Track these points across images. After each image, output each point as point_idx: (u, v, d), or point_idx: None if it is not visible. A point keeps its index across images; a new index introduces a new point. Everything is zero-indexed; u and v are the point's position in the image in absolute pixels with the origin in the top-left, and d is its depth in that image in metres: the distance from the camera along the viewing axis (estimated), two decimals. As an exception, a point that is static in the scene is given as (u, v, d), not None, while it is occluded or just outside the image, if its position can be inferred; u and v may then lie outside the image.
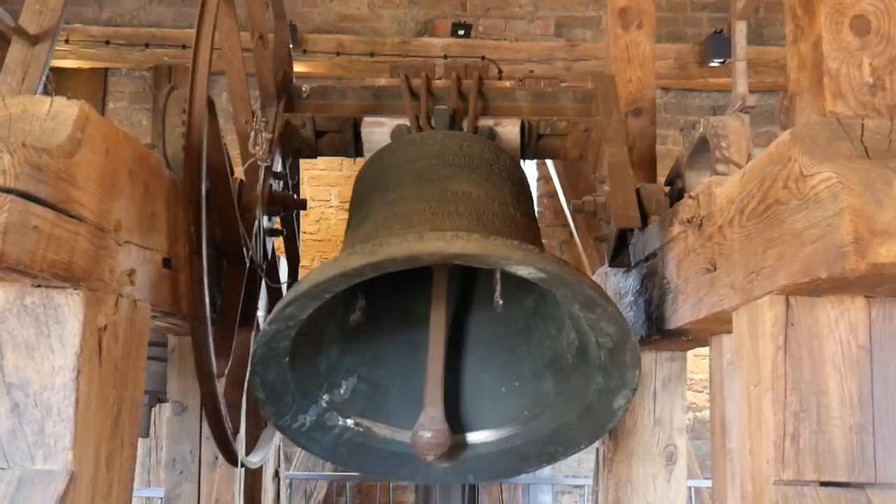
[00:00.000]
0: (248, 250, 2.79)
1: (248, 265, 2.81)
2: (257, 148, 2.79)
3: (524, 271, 2.20)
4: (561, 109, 3.37)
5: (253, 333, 2.89)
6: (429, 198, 2.64)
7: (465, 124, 3.15)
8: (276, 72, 3.18)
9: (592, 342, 2.46)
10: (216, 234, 2.69)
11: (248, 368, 2.45)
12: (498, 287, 2.66)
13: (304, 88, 3.29)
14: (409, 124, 3.11)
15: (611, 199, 2.96)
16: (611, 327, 2.36)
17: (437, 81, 3.30)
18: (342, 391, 2.77)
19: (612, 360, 2.45)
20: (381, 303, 2.86)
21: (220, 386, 2.49)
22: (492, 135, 3.14)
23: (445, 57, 3.12)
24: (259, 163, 2.83)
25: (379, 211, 2.68)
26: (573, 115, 3.33)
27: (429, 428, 2.53)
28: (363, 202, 2.85)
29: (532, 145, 3.26)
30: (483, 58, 3.32)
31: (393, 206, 2.64)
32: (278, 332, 2.34)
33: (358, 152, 3.26)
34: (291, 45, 3.50)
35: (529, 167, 8.32)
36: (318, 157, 3.38)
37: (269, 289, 3.13)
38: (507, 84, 3.42)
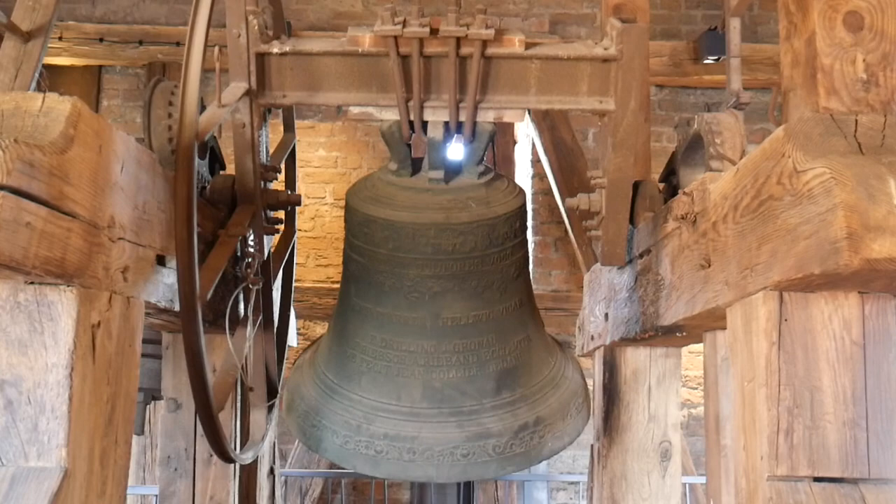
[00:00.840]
0: (242, 253, 2.80)
1: (245, 265, 2.82)
2: (249, 272, 2.84)
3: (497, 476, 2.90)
4: (574, 86, 2.82)
5: (248, 331, 2.89)
6: (420, 330, 3.10)
7: (463, 115, 2.93)
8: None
9: None
10: (207, 231, 2.68)
11: (240, 375, 2.57)
12: None
13: (279, 47, 2.83)
14: (399, 118, 2.93)
15: (603, 229, 2.94)
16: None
17: (432, 47, 2.76)
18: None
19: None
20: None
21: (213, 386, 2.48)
22: (492, 135, 3.02)
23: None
24: (250, 286, 2.86)
25: (373, 319, 3.15)
26: (588, 88, 2.82)
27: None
28: (359, 276, 3.20)
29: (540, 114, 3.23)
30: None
31: (386, 328, 3.14)
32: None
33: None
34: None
35: (524, 164, 8.31)
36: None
37: (261, 288, 3.11)
38: (516, 43, 2.72)
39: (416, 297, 3.02)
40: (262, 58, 2.76)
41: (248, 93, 2.75)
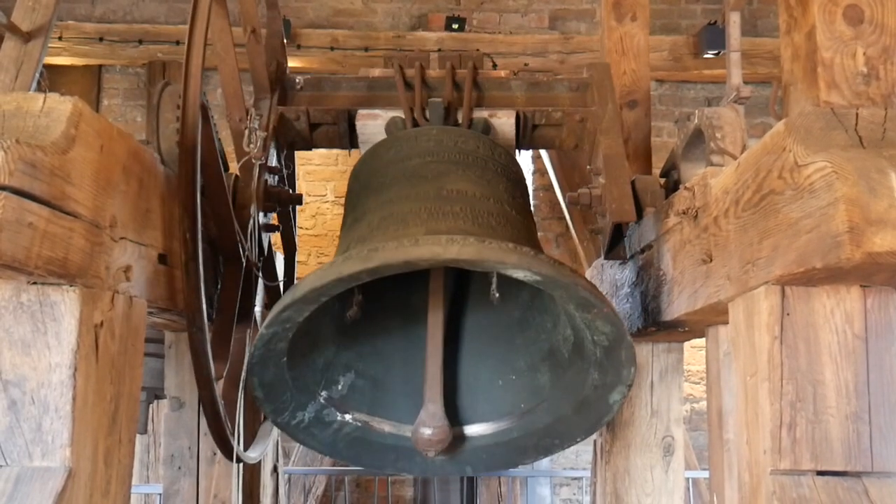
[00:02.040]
0: (244, 249, 2.79)
1: (244, 264, 2.80)
2: (252, 146, 2.79)
3: (520, 274, 2.22)
4: (556, 99, 3.32)
5: (250, 330, 2.89)
6: (424, 197, 2.65)
7: (461, 116, 3.11)
8: (269, 63, 3.17)
9: (588, 339, 2.47)
10: (211, 230, 2.68)
11: (245, 369, 2.46)
12: (494, 281, 2.67)
13: (297, 80, 3.27)
14: (403, 116, 3.08)
15: (606, 193, 2.95)
16: (606, 327, 2.38)
17: (432, 72, 3.25)
18: (340, 387, 2.77)
19: (607, 357, 2.46)
20: (377, 296, 2.86)
21: (218, 387, 2.49)
22: (486, 128, 3.13)
23: (440, 51, 3.10)
24: (253, 161, 2.83)
25: (374, 210, 2.69)
26: (568, 105, 3.28)
27: (429, 425, 2.55)
28: (358, 200, 2.86)
29: (527, 136, 3.25)
30: (477, 50, 3.21)
31: (388, 206, 2.65)
32: (275, 334, 2.36)
33: (353, 144, 3.24)
34: (285, 40, 3.47)
35: (525, 161, 8.31)
36: (313, 150, 3.37)
37: (266, 285, 3.12)
38: (502, 73, 3.33)
39: (419, 179, 2.76)
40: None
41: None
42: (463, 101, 3.16)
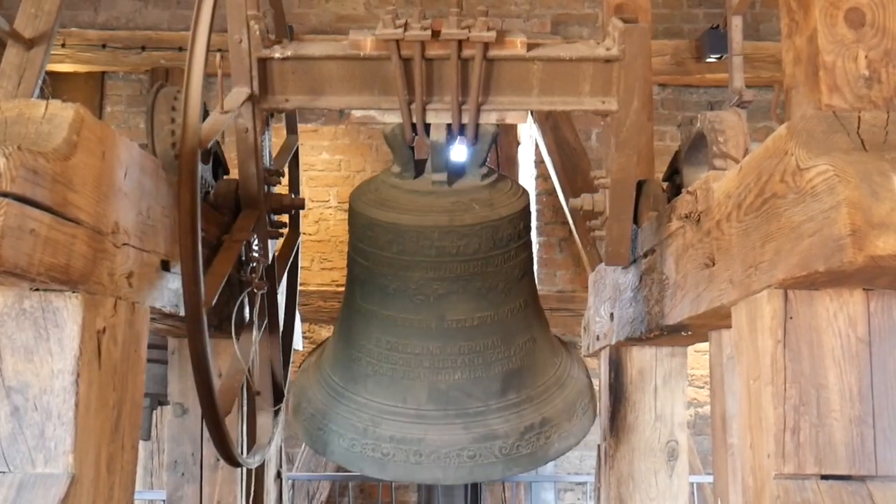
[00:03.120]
0: (247, 265, 2.81)
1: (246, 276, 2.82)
2: (253, 276, 2.84)
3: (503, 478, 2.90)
4: (577, 82, 2.79)
5: (255, 335, 2.89)
6: (425, 332, 3.11)
7: (466, 118, 2.86)
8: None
9: None
10: (212, 236, 2.68)
11: (245, 379, 2.60)
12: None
13: (281, 52, 2.81)
14: (402, 122, 2.93)
15: (606, 229, 2.94)
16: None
17: (434, 50, 2.74)
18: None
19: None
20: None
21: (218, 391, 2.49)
22: (494, 137, 3.02)
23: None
24: (255, 290, 2.85)
25: (378, 321, 3.16)
26: (590, 91, 2.79)
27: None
28: (363, 285, 3.22)
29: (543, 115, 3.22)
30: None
31: (392, 331, 3.15)
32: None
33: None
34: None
35: (527, 165, 8.31)
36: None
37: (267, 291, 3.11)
38: (518, 46, 2.75)
39: (421, 300, 3.02)
40: (264, 63, 2.76)
41: (250, 98, 2.75)
42: (469, 100, 2.81)
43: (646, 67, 2.74)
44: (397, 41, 2.71)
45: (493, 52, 2.74)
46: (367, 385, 3.23)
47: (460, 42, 2.71)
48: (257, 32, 2.70)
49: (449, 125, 2.87)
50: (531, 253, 3.30)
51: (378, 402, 3.20)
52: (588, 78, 2.78)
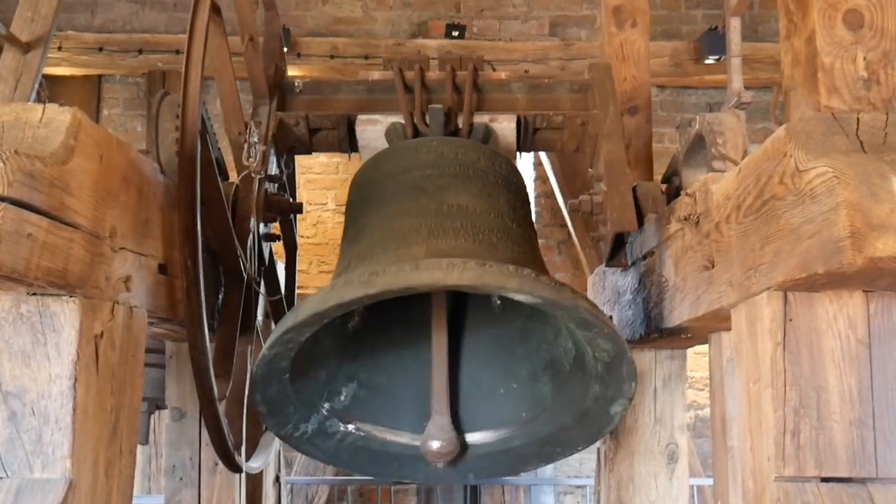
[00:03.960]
0: (244, 264, 2.79)
1: (245, 278, 2.80)
2: (251, 160, 2.80)
3: (521, 297, 2.24)
4: (557, 102, 3.26)
5: (252, 345, 2.88)
6: (425, 212, 2.65)
7: (461, 121, 3.08)
8: (268, 67, 3.13)
9: (589, 354, 2.48)
10: (211, 240, 2.68)
11: (247, 386, 2.47)
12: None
13: (297, 84, 3.24)
14: (403, 122, 3.04)
15: (607, 201, 2.94)
16: (607, 345, 2.39)
17: (432, 74, 3.21)
18: (342, 398, 2.77)
19: (608, 372, 2.48)
20: (378, 306, 2.84)
21: (221, 405, 2.48)
22: (487, 134, 3.08)
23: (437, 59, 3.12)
24: (253, 175, 2.82)
25: (375, 225, 2.70)
26: (570, 108, 3.22)
27: (438, 437, 2.59)
28: (359, 212, 2.86)
29: (528, 140, 3.24)
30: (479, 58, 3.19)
31: (390, 221, 2.66)
32: (277, 354, 2.37)
33: (353, 148, 3.23)
34: (285, 49, 3.46)
35: (526, 168, 8.31)
36: (313, 154, 3.37)
37: (267, 294, 3.11)
38: (503, 75, 3.29)
39: (419, 192, 2.74)
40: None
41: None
42: (463, 106, 3.12)
43: (614, 89, 3.22)
44: (401, 70, 3.17)
45: (481, 79, 3.26)
46: (366, 260, 2.89)
47: (454, 69, 3.20)
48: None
49: (446, 115, 3.06)
50: (529, 213, 3.13)
51: (375, 263, 2.85)
52: (568, 102, 3.27)
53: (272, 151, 3.01)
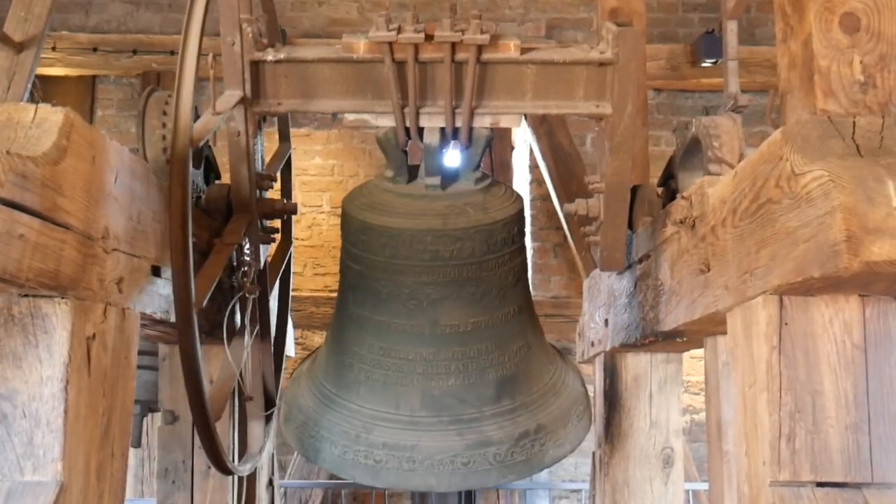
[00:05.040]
0: (239, 272, 2.79)
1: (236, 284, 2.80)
2: (245, 280, 2.80)
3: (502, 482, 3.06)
4: (571, 86, 2.77)
5: (246, 340, 2.87)
6: (419, 340, 3.08)
7: (460, 121, 2.83)
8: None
9: None
10: (203, 241, 2.66)
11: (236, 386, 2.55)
12: None
13: (270, 56, 2.80)
14: (395, 125, 2.89)
15: (602, 233, 2.92)
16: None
17: (429, 46, 2.72)
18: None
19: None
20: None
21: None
22: (489, 140, 2.99)
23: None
24: (247, 295, 2.82)
25: (371, 327, 3.14)
26: (583, 96, 2.77)
27: None
28: (355, 290, 3.20)
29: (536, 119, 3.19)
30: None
31: (385, 337, 3.12)
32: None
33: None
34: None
35: (522, 170, 8.30)
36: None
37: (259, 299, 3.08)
38: (512, 49, 2.74)
39: (415, 305, 3.00)
40: (256, 66, 2.75)
41: (242, 101, 2.73)
42: (463, 103, 2.79)
43: (640, 71, 2.74)
44: (390, 44, 2.69)
45: (486, 56, 2.72)
46: (359, 391, 3.21)
47: (454, 45, 2.69)
48: (250, 35, 2.69)
49: (442, 128, 2.85)
50: (525, 258, 3.28)
51: (370, 408, 3.18)
52: (582, 82, 2.76)
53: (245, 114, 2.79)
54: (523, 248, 3.25)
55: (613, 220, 2.87)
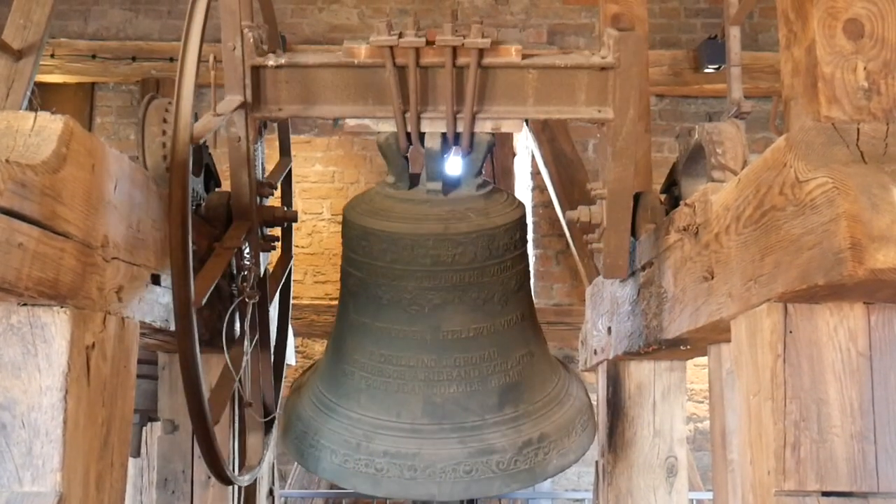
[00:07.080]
0: (238, 278, 2.78)
1: (236, 293, 2.79)
2: (245, 285, 2.80)
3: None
4: (573, 91, 2.76)
5: (246, 347, 2.86)
6: (420, 344, 3.09)
7: (461, 126, 2.82)
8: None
9: None
10: (203, 248, 2.65)
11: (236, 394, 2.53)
12: None
13: (271, 61, 2.79)
14: (396, 130, 2.86)
15: (604, 240, 2.91)
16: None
17: (430, 50, 2.72)
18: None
19: None
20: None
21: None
22: (491, 144, 2.97)
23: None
24: (247, 300, 2.81)
25: (372, 334, 3.14)
26: (585, 101, 2.76)
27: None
28: (356, 298, 3.20)
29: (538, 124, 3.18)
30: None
31: (386, 343, 3.13)
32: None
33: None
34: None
35: (524, 176, 8.29)
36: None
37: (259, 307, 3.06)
38: (513, 54, 2.74)
39: (416, 310, 2.99)
40: (257, 71, 2.74)
41: (243, 106, 2.72)
42: (464, 108, 2.78)
43: (642, 76, 2.73)
44: (391, 48, 2.69)
45: (487, 60, 2.71)
46: (360, 399, 3.20)
47: (455, 49, 2.68)
48: (251, 40, 2.68)
49: (444, 134, 2.84)
50: (528, 265, 3.27)
51: (371, 416, 3.16)
52: (583, 86, 2.76)
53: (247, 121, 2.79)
54: (525, 254, 3.24)
55: (616, 226, 2.86)
